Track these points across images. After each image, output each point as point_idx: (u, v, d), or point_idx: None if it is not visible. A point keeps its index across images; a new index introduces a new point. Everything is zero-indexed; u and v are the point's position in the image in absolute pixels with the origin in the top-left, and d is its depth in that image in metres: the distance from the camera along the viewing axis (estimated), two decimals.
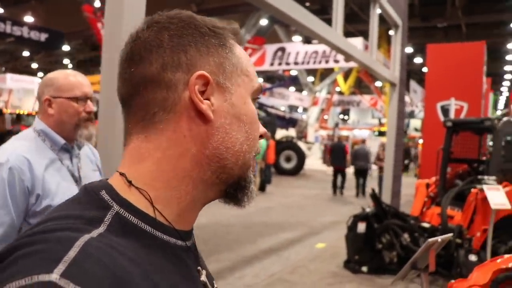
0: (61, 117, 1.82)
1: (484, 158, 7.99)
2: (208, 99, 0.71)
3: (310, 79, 30.62)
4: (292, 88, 34.60)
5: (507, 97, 37.50)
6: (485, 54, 11.77)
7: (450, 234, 2.74)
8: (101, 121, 2.74)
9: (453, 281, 2.64)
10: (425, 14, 19.98)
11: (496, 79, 28.02)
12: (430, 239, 2.47)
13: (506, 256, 2.76)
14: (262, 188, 13.92)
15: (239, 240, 7.67)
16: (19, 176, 1.64)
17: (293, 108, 39.01)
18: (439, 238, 2.52)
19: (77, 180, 1.85)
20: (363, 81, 32.77)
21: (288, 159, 20.49)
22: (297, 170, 20.74)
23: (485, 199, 5.48)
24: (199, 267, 0.75)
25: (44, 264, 0.52)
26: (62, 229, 0.58)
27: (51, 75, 1.88)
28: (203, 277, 0.75)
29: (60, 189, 1.75)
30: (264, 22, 21.32)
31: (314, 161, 26.77)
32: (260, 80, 0.79)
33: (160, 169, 0.70)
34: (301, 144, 22.19)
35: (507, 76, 32.36)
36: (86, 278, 0.51)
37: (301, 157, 20.85)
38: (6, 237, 1.61)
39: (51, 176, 1.74)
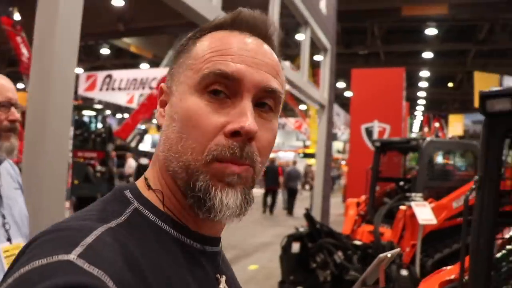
0: None
1: (408, 176, 8.33)
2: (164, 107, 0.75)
3: None
4: None
5: (421, 120, 40.01)
6: (404, 79, 12.46)
7: (398, 249, 2.75)
8: (28, 136, 2.46)
9: None
10: (348, 41, 20.89)
11: (411, 103, 29.83)
12: (381, 255, 2.43)
13: (448, 268, 2.82)
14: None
15: None
16: None
17: None
18: (388, 254, 2.50)
19: None
20: (288, 105, 33.56)
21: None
22: None
23: (413, 216, 5.70)
24: (218, 275, 0.74)
25: (64, 246, 0.56)
26: (84, 219, 0.63)
27: None
28: (222, 285, 0.74)
29: None
30: None
31: None
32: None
33: (157, 175, 0.74)
34: None
35: (420, 101, 34.53)
36: (100, 259, 0.55)
37: None
38: None
39: None
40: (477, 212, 2.24)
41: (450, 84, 30.14)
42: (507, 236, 2.91)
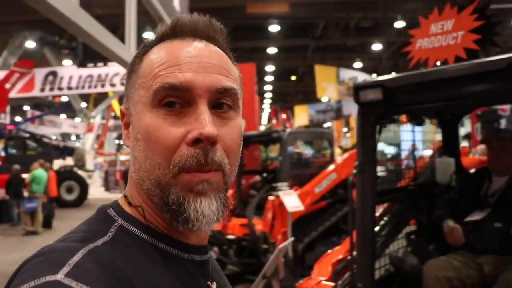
0: None
1: (270, 167, 8.70)
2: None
3: (84, 104, 29.23)
4: (63, 115, 32.46)
5: (269, 113, 41.94)
6: (255, 74, 12.94)
7: (292, 239, 2.88)
8: None
9: (300, 281, 2.77)
10: None
11: (260, 97, 31.12)
12: (281, 245, 2.54)
13: (336, 248, 3.02)
14: (47, 225, 12.62)
15: None
16: None
17: (65, 136, 36.55)
18: (286, 243, 2.61)
19: None
20: None
21: (69, 190, 19.03)
22: (80, 201, 19.44)
23: (281, 204, 5.96)
24: (209, 282, 0.74)
25: (52, 267, 0.56)
26: (69, 241, 0.64)
27: None
28: None
29: None
30: (31, 44, 19.51)
31: (96, 190, 25.51)
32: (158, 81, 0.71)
33: (134, 194, 0.74)
34: (82, 173, 20.93)
35: (267, 95, 36.20)
36: (87, 276, 0.56)
37: (84, 186, 19.64)
38: None
39: None
40: (359, 194, 2.44)
41: (294, 77, 32.06)
42: (377, 214, 3.22)
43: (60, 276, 0.55)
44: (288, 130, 7.42)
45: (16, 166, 13.49)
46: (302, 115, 32.94)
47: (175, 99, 0.67)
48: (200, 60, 0.69)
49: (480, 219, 2.61)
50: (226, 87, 0.70)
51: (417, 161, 3.52)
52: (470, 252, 2.59)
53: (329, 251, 2.98)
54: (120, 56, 5.49)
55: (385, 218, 3.11)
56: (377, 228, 3.07)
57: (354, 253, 2.49)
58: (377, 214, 3.21)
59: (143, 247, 0.68)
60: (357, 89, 2.34)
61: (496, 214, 2.59)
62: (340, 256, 2.81)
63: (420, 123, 3.10)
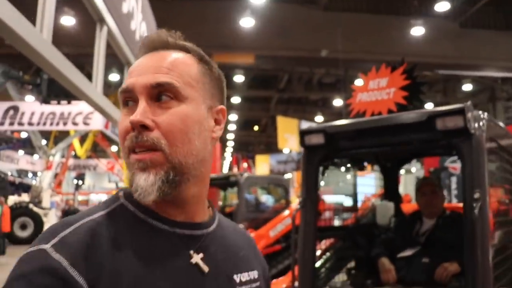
0: None
1: (228, 211, 8.89)
2: None
3: (44, 142, 28.78)
4: (21, 152, 31.74)
5: (230, 161, 42.21)
6: None
7: None
8: None
9: None
10: None
11: (222, 145, 31.34)
12: None
13: (280, 278, 3.27)
14: None
15: None
16: None
17: (22, 173, 35.57)
18: None
19: None
20: (99, 145, 32.40)
21: (23, 227, 18.46)
22: (34, 238, 18.84)
23: None
24: (191, 251, 0.85)
25: (47, 238, 0.75)
26: (79, 215, 0.83)
27: None
28: (195, 260, 0.85)
29: None
30: None
31: None
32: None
33: None
34: (38, 210, 20.42)
35: (229, 143, 36.52)
36: (64, 247, 0.74)
37: (39, 223, 19.13)
38: None
39: None
40: (301, 228, 2.71)
41: (256, 127, 32.64)
42: (320, 250, 3.49)
43: (47, 246, 0.73)
44: (246, 174, 7.69)
45: None
46: (263, 165, 33.21)
47: (129, 99, 0.85)
48: (142, 67, 0.86)
49: (411, 255, 2.92)
50: (159, 81, 0.82)
51: (363, 204, 3.87)
52: (402, 285, 2.87)
53: (274, 280, 3.20)
54: (87, 94, 5.69)
55: (328, 253, 3.40)
56: (321, 261, 3.34)
57: (296, 283, 2.73)
58: (322, 248, 3.49)
59: (133, 221, 0.83)
60: (303, 134, 2.65)
61: (424, 251, 2.90)
62: (284, 286, 3.04)
63: (361, 168, 3.44)
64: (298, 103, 26.37)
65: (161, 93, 0.83)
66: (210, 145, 0.90)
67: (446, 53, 16.54)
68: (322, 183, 3.04)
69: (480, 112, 2.23)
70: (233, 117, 28.37)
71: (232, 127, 30.77)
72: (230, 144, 36.81)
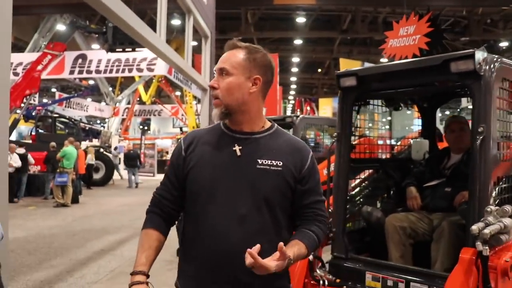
0: None
1: None
2: None
3: (110, 88, 30.20)
4: (89, 99, 33.45)
5: (293, 104, 42.45)
6: (277, 65, 13.57)
7: None
8: None
9: None
10: (222, 27, 21.64)
11: (284, 88, 31.46)
12: None
13: None
14: (76, 200, 13.55)
15: (67, 247, 7.58)
16: None
17: (91, 119, 37.55)
18: None
19: None
20: (163, 91, 33.46)
21: (96, 170, 19.94)
22: (105, 181, 20.41)
23: None
24: (236, 145, 1.66)
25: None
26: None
27: None
28: (235, 148, 1.65)
29: None
30: (61, 27, 20.39)
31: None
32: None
33: None
34: (108, 154, 21.89)
35: (292, 86, 36.61)
36: (188, 136, 1.78)
37: (110, 167, 20.58)
38: None
39: None
40: (336, 159, 3.13)
41: (319, 70, 32.42)
42: (357, 180, 3.90)
43: (182, 137, 1.81)
44: (301, 116, 8.04)
45: (53, 144, 14.47)
46: (326, 108, 33.14)
47: (214, 73, 1.71)
48: (220, 59, 1.71)
49: (435, 185, 3.26)
50: (220, 67, 1.69)
51: (402, 142, 4.26)
52: (425, 211, 3.24)
53: None
54: (152, 43, 6.21)
55: (366, 183, 3.82)
56: (357, 190, 3.76)
57: (331, 208, 3.18)
58: (361, 178, 3.91)
59: (217, 130, 1.73)
60: (338, 77, 3.01)
61: (448, 182, 3.22)
62: None
63: (396, 108, 3.76)
64: (362, 44, 25.86)
65: (221, 71, 1.66)
66: (248, 96, 1.65)
67: None
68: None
69: (496, 56, 2.48)
70: (296, 59, 28.29)
71: (294, 69, 30.72)
72: (293, 87, 36.84)
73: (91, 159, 18.31)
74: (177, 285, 1.74)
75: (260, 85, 1.67)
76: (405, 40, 2.97)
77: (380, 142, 4.20)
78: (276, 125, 1.76)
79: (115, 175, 22.02)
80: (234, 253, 1.53)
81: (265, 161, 1.62)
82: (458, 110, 16.32)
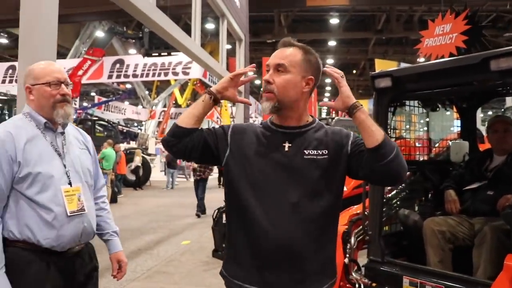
0: (40, 101, 2.08)
1: None
2: None
3: (147, 92, 30.71)
4: (126, 102, 34.13)
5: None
6: None
7: None
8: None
9: None
10: (256, 30, 21.71)
11: (319, 90, 31.28)
12: None
13: (354, 207, 3.69)
14: (114, 200, 13.82)
15: (105, 246, 7.70)
16: (3, 147, 1.91)
17: (128, 122, 38.29)
18: None
19: (60, 154, 2.09)
20: (198, 94, 33.78)
21: (133, 171, 20.28)
22: (143, 182, 20.73)
23: None
24: (285, 141, 1.72)
25: None
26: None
27: (30, 66, 2.14)
28: (286, 145, 1.71)
29: (41, 159, 2.00)
30: (100, 34, 20.92)
31: (156, 174, 26.72)
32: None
33: None
34: (145, 156, 22.22)
35: (327, 88, 36.37)
36: (234, 126, 1.85)
37: (147, 168, 20.90)
38: None
39: (33, 148, 1.99)
40: None
41: (354, 71, 32.07)
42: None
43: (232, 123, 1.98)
44: (336, 118, 7.98)
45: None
46: None
47: (267, 68, 1.73)
48: (275, 54, 1.75)
49: (476, 188, 3.16)
50: (277, 62, 1.71)
51: (440, 143, 4.15)
52: (465, 215, 3.14)
53: (353, 207, 3.66)
54: (187, 47, 6.28)
55: (402, 185, 3.73)
56: (393, 193, 3.68)
57: (367, 211, 3.12)
58: None
59: (266, 126, 1.79)
60: (373, 78, 2.95)
61: (490, 185, 3.11)
62: (358, 212, 3.45)
63: (434, 109, 3.66)
64: (397, 44, 25.46)
65: (278, 67, 1.69)
66: (301, 94, 1.71)
67: None
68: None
69: None
70: (330, 61, 28.10)
71: None
72: (328, 89, 36.61)
73: (139, 161, 18.80)
74: (223, 273, 1.80)
75: (312, 85, 1.74)
76: (441, 39, 2.90)
77: (418, 144, 4.09)
78: (317, 119, 1.82)
79: (152, 177, 22.35)
80: (286, 240, 1.63)
81: (312, 151, 1.69)
82: (502, 110, 15.89)
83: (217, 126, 1.85)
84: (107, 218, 2.49)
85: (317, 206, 1.66)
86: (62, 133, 2.16)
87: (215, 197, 13.84)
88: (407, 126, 3.82)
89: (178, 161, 21.78)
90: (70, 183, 2.08)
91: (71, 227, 2.05)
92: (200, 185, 11.50)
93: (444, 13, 2.95)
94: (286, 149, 1.70)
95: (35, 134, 2.04)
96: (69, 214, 2.03)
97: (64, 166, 2.09)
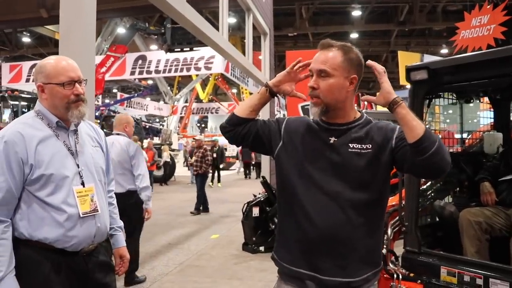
0: (53, 101, 2.00)
1: None
2: None
3: (168, 88, 30.89)
4: (148, 98, 34.31)
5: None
6: None
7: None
8: None
9: None
10: (277, 24, 21.65)
11: None
12: None
13: (390, 197, 3.72)
14: None
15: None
16: (13, 149, 1.87)
17: (150, 118, 38.47)
18: None
19: (73, 153, 2.03)
20: (220, 88, 33.81)
21: (158, 167, 20.46)
22: (168, 177, 20.92)
23: None
24: (331, 136, 1.80)
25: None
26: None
27: (41, 62, 2.04)
28: (330, 139, 1.80)
29: (54, 160, 1.95)
30: (122, 30, 21.06)
31: (179, 169, 26.91)
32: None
33: None
34: (170, 152, 22.42)
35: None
36: (288, 119, 1.99)
37: (172, 164, 21.10)
38: (4, 202, 1.85)
39: (45, 148, 1.94)
40: None
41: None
42: None
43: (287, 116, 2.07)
44: (363, 110, 7.94)
45: None
46: None
47: (310, 74, 1.83)
48: (316, 59, 1.80)
49: None
50: (319, 68, 1.77)
51: (473, 135, 4.16)
52: (501, 206, 3.16)
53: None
54: (215, 42, 6.36)
55: None
56: (428, 184, 3.71)
57: (403, 202, 3.16)
58: None
59: (316, 124, 1.86)
60: (409, 70, 2.98)
61: None
62: (394, 203, 3.49)
63: (468, 101, 3.66)
64: (420, 36, 25.10)
65: (321, 72, 1.75)
66: (346, 95, 1.77)
67: None
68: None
69: None
70: None
71: None
72: None
73: (167, 156, 19.16)
74: (274, 257, 1.93)
75: (356, 83, 1.79)
76: (478, 30, 2.92)
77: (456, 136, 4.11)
78: (365, 114, 1.88)
79: (176, 172, 22.55)
80: (329, 227, 1.72)
81: (356, 145, 1.76)
82: None
83: (275, 118, 1.97)
84: (113, 213, 2.42)
85: (361, 196, 1.73)
86: (75, 132, 2.11)
87: (242, 191, 14.00)
88: (442, 118, 3.83)
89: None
90: (83, 184, 2.05)
91: (84, 228, 2.01)
92: (197, 181, 11.50)
93: (480, 5, 2.96)
94: (332, 142, 1.79)
95: (47, 134, 1.99)
96: (81, 215, 2.00)
97: (77, 165, 2.05)
